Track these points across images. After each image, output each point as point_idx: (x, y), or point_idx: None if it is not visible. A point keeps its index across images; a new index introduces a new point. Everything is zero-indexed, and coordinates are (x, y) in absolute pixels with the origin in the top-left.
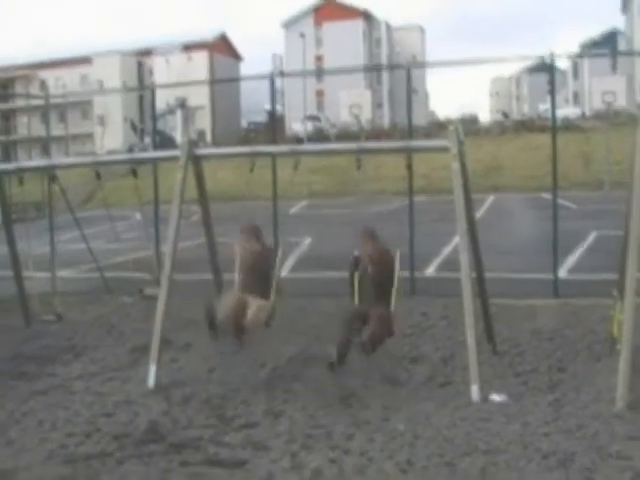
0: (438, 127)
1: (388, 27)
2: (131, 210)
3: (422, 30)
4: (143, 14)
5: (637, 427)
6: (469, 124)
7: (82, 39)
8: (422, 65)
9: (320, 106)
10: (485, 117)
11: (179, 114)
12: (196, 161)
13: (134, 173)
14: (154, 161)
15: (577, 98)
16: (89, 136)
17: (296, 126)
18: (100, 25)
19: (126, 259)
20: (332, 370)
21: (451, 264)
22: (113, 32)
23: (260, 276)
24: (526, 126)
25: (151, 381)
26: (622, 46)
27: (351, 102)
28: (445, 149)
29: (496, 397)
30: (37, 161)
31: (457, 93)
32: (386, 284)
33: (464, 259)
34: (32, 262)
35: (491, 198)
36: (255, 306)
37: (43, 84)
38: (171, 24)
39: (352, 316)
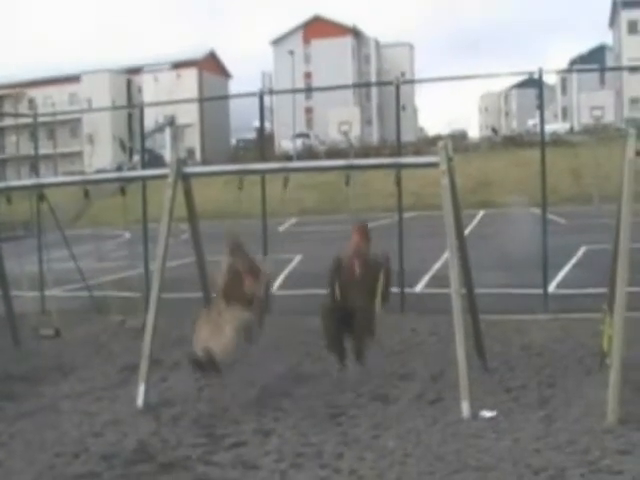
0: (427, 143)
1: (377, 44)
2: (120, 229)
3: (411, 47)
4: (133, 33)
5: (628, 441)
6: (458, 140)
7: (71, 57)
8: (411, 81)
9: (309, 123)
10: (474, 133)
11: (168, 132)
12: (185, 179)
13: (122, 191)
14: (143, 179)
15: (566, 113)
16: (78, 154)
17: (285, 143)
18: (89, 44)
19: (115, 278)
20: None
21: (441, 280)
22: (102, 51)
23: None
24: (515, 142)
25: (140, 400)
26: (610, 61)
27: (340, 119)
28: (434, 165)
29: (486, 413)
30: (25, 180)
31: (446, 109)
32: (371, 286)
33: (453, 275)
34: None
35: (481, 213)
36: (227, 331)
37: (32, 102)
38: (161, 42)
39: (332, 311)
